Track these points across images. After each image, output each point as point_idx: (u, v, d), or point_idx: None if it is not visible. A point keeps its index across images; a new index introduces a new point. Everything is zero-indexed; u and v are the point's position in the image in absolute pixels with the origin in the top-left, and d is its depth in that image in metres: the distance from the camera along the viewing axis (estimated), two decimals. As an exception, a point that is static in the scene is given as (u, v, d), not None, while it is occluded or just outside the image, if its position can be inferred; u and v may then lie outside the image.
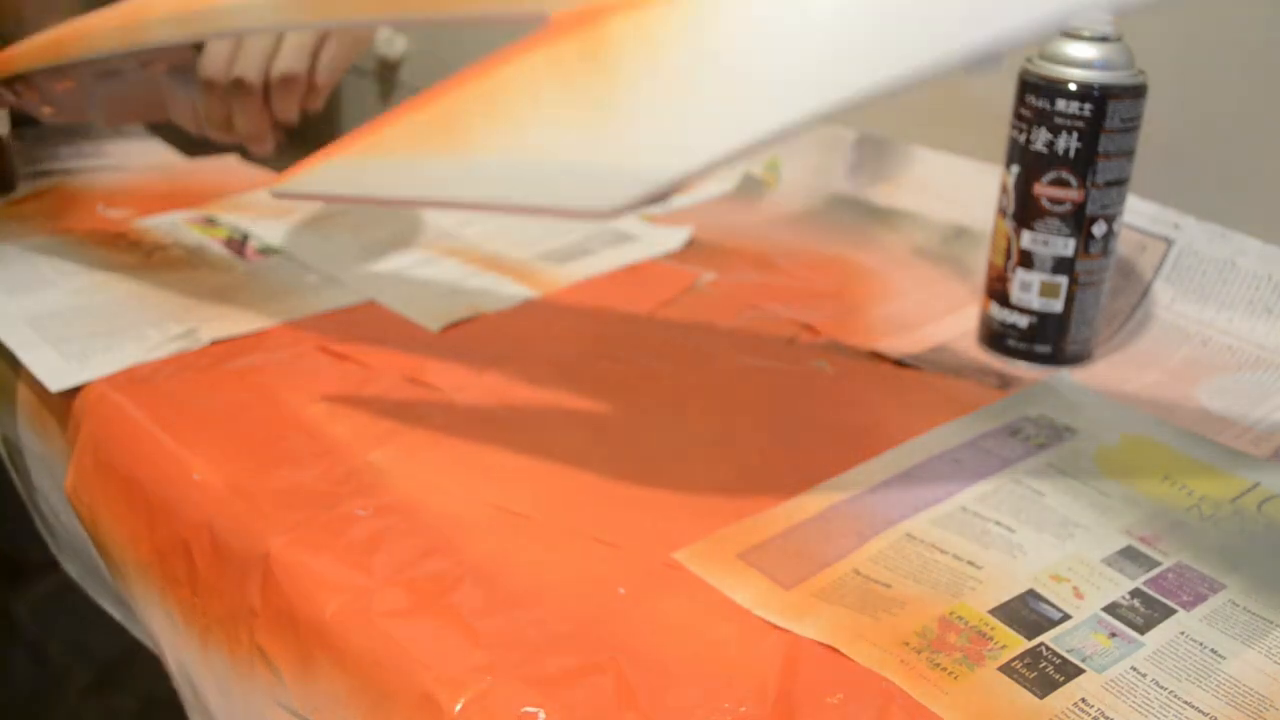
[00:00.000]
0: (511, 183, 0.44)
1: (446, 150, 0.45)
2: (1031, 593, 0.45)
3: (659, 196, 0.42)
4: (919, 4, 0.38)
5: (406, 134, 0.46)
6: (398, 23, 0.50)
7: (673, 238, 0.78)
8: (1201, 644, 0.43)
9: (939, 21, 0.38)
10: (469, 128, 0.44)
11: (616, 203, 0.42)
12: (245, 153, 0.80)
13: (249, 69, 0.63)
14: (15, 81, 0.64)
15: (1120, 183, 0.61)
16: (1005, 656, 0.42)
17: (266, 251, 0.75)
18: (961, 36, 0.38)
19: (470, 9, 0.48)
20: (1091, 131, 0.59)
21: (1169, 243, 0.68)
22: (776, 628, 0.43)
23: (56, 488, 0.61)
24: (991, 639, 0.42)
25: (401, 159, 0.46)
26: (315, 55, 0.65)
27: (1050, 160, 0.60)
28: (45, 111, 0.68)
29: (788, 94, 0.40)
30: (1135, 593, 0.45)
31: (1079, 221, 0.61)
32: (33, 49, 0.62)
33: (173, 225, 0.79)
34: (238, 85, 0.62)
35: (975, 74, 0.39)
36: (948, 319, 0.68)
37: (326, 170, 0.48)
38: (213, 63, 0.64)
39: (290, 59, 0.64)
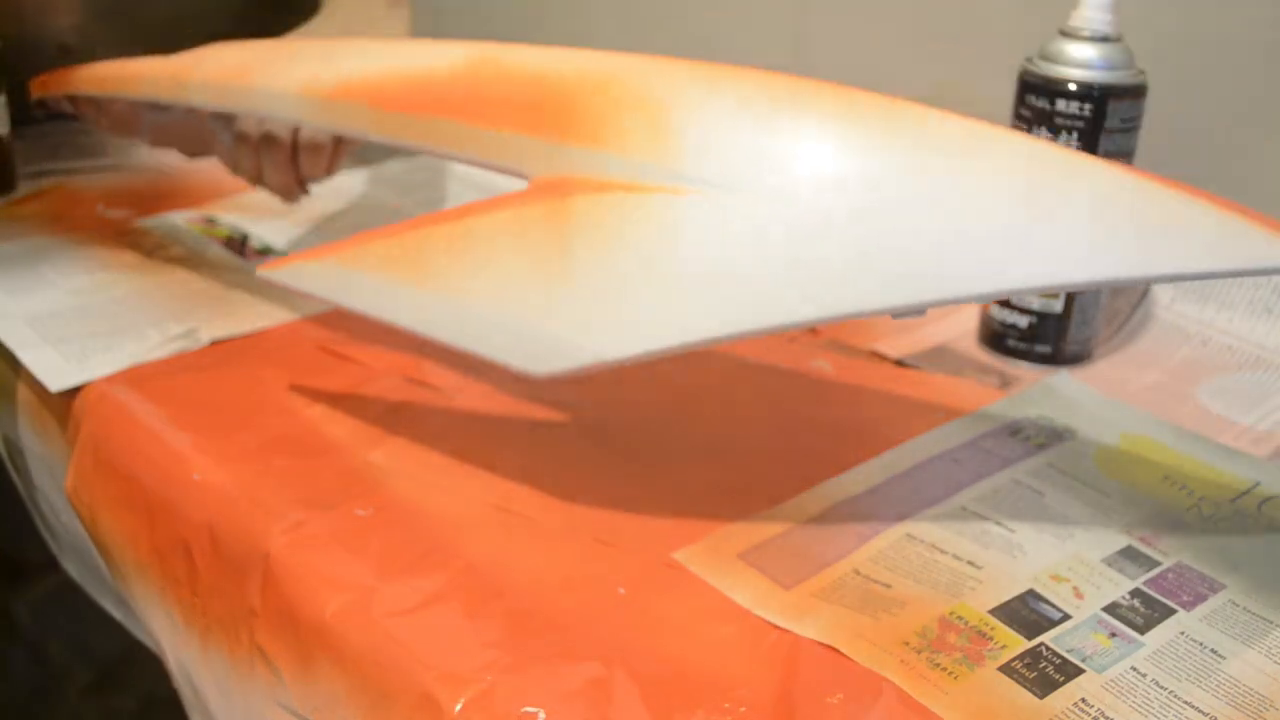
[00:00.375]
0: (460, 325, 0.47)
1: (411, 281, 0.48)
2: (1031, 593, 0.45)
3: (585, 373, 0.45)
4: (851, 261, 0.42)
5: (382, 256, 0.49)
6: (399, 147, 0.53)
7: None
8: (1201, 644, 0.43)
9: (861, 280, 0.41)
10: (434, 264, 0.48)
11: (544, 370, 0.45)
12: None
13: (279, 127, 0.66)
14: (77, 97, 0.69)
15: (1120, 183, 0.61)
16: (1005, 656, 0.42)
17: (266, 251, 0.75)
18: (883, 297, 0.41)
19: (464, 154, 0.51)
20: (1091, 131, 0.59)
21: (1169, 243, 0.68)
22: (777, 628, 0.43)
23: (56, 488, 0.61)
24: (991, 639, 0.42)
25: (373, 278, 0.49)
26: None
27: (1050, 160, 0.60)
28: (100, 124, 0.72)
29: (721, 311, 0.43)
30: (1135, 593, 0.45)
31: (1079, 221, 0.61)
32: (93, 76, 0.66)
33: (173, 225, 0.79)
34: (268, 140, 0.65)
35: (901, 318, 0.42)
36: (948, 319, 0.68)
37: (310, 269, 0.51)
38: (247, 116, 0.66)
39: (315, 130, 0.66)
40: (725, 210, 0.43)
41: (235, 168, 0.68)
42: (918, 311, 0.42)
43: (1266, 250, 0.39)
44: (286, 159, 0.66)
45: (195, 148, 0.72)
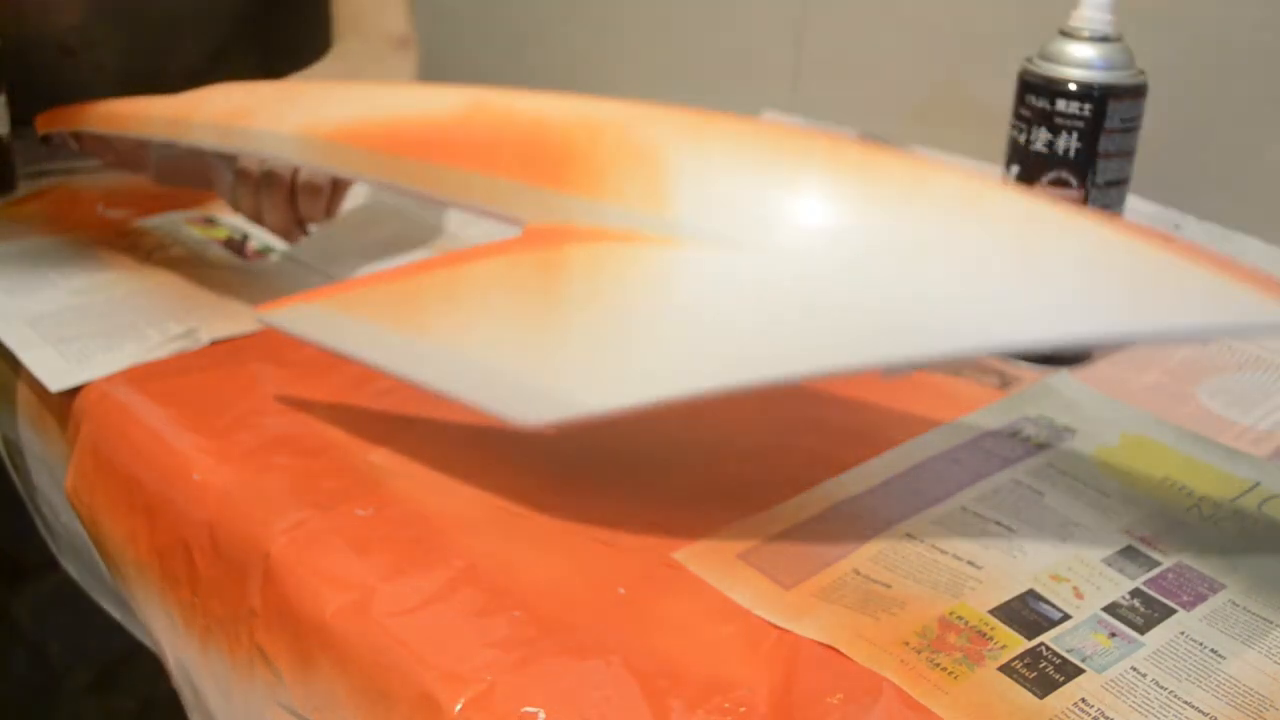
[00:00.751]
0: (452, 374, 0.48)
1: (403, 328, 0.49)
2: (1031, 593, 0.45)
3: (575, 423, 0.45)
4: (842, 317, 0.42)
5: (375, 302, 0.50)
6: (395, 190, 0.53)
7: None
8: (1201, 644, 0.43)
9: (851, 337, 0.42)
10: (426, 311, 0.48)
11: (533, 420, 0.46)
12: None
13: (280, 167, 0.67)
14: (82, 134, 0.70)
15: (1120, 183, 0.61)
16: (1005, 656, 0.42)
17: (266, 251, 0.75)
18: (873, 354, 0.42)
19: (460, 200, 0.51)
20: (1091, 131, 0.59)
21: (1169, 243, 0.68)
22: (777, 627, 0.43)
23: (56, 488, 0.61)
24: (991, 639, 0.42)
25: (366, 324, 0.50)
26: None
27: (1050, 160, 0.60)
28: (107, 160, 0.74)
29: (711, 365, 0.43)
30: (1135, 593, 0.45)
31: (1079, 221, 0.61)
32: (98, 114, 0.67)
33: (173, 225, 0.79)
34: (268, 179, 0.66)
35: (890, 377, 0.43)
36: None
37: (306, 314, 0.52)
38: (248, 156, 0.67)
39: (313, 172, 0.67)
40: (719, 264, 0.43)
41: (236, 205, 0.69)
42: (908, 369, 0.42)
43: (1256, 311, 0.40)
44: (285, 199, 0.67)
45: (200, 183, 0.73)
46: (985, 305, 0.41)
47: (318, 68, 0.73)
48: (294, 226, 0.69)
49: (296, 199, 0.67)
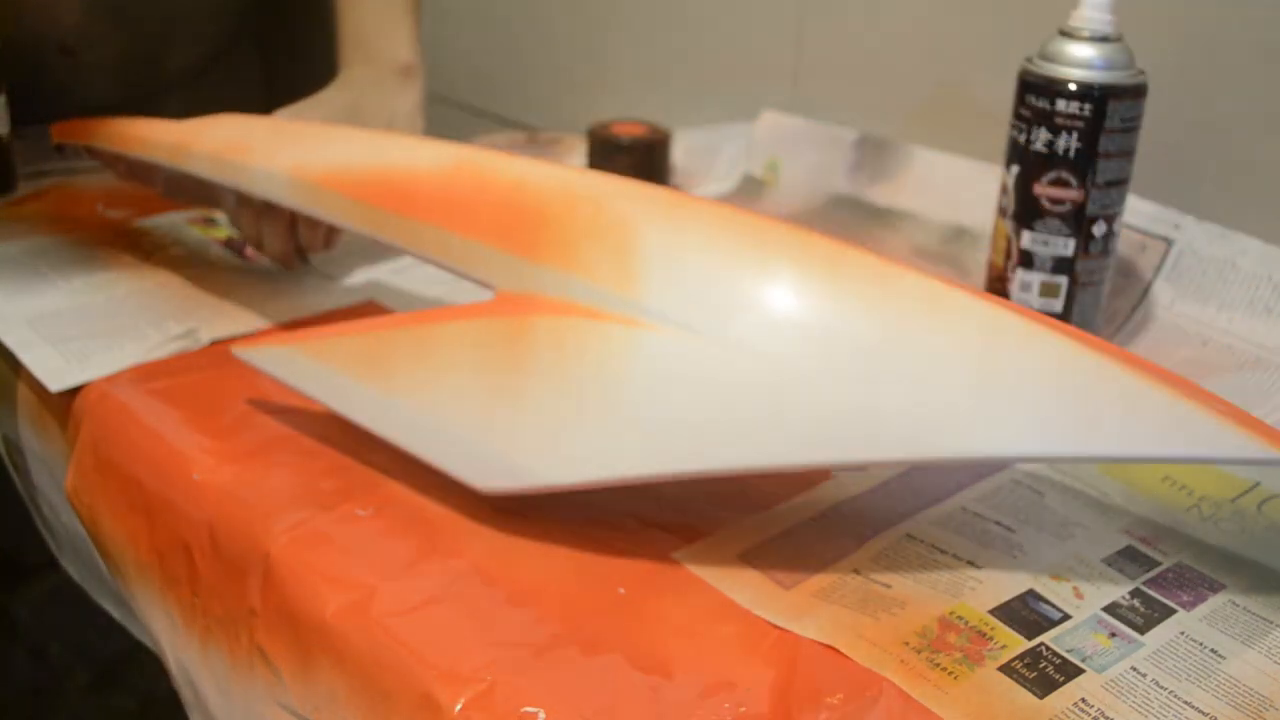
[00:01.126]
0: (414, 432, 0.48)
1: (371, 380, 0.50)
2: (1031, 593, 0.45)
3: (530, 493, 0.46)
4: (796, 414, 0.43)
5: (346, 352, 0.51)
6: (375, 240, 0.54)
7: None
8: (1201, 644, 0.43)
9: (803, 434, 0.43)
10: (394, 367, 0.49)
11: (490, 487, 0.47)
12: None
13: None
14: (93, 147, 0.72)
15: (1120, 183, 0.61)
16: (1005, 656, 0.42)
17: (266, 251, 0.74)
18: (825, 452, 0.43)
19: (436, 258, 0.52)
20: (1092, 131, 0.59)
21: (1169, 243, 0.68)
22: (777, 627, 0.43)
23: (57, 487, 0.61)
24: (991, 639, 0.42)
25: (336, 372, 0.51)
26: None
27: (1050, 160, 0.60)
28: (118, 171, 0.75)
29: (666, 450, 0.44)
30: (1135, 593, 0.45)
31: (1079, 221, 0.61)
32: (108, 132, 0.69)
33: (173, 225, 0.79)
34: (269, 207, 0.66)
35: (840, 473, 0.45)
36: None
37: (279, 356, 0.53)
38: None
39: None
40: (681, 350, 0.44)
41: (238, 229, 0.70)
42: (857, 469, 0.44)
43: (1215, 439, 0.40)
44: (285, 228, 0.68)
45: (206, 202, 0.74)
46: (938, 417, 0.42)
47: (322, 96, 0.73)
48: (293, 255, 0.69)
49: (297, 228, 0.68)
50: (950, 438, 0.41)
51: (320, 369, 0.51)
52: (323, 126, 0.65)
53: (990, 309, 0.44)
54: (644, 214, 0.48)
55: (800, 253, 0.46)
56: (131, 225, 0.78)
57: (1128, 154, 0.61)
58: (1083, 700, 0.40)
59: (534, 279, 0.48)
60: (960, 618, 0.43)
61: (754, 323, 0.44)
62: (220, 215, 0.80)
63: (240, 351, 0.54)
